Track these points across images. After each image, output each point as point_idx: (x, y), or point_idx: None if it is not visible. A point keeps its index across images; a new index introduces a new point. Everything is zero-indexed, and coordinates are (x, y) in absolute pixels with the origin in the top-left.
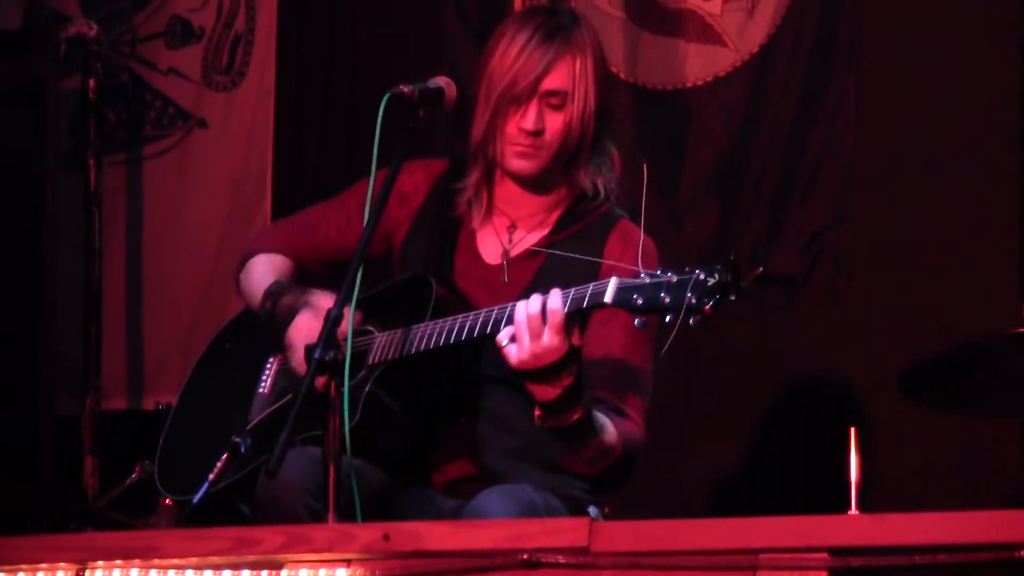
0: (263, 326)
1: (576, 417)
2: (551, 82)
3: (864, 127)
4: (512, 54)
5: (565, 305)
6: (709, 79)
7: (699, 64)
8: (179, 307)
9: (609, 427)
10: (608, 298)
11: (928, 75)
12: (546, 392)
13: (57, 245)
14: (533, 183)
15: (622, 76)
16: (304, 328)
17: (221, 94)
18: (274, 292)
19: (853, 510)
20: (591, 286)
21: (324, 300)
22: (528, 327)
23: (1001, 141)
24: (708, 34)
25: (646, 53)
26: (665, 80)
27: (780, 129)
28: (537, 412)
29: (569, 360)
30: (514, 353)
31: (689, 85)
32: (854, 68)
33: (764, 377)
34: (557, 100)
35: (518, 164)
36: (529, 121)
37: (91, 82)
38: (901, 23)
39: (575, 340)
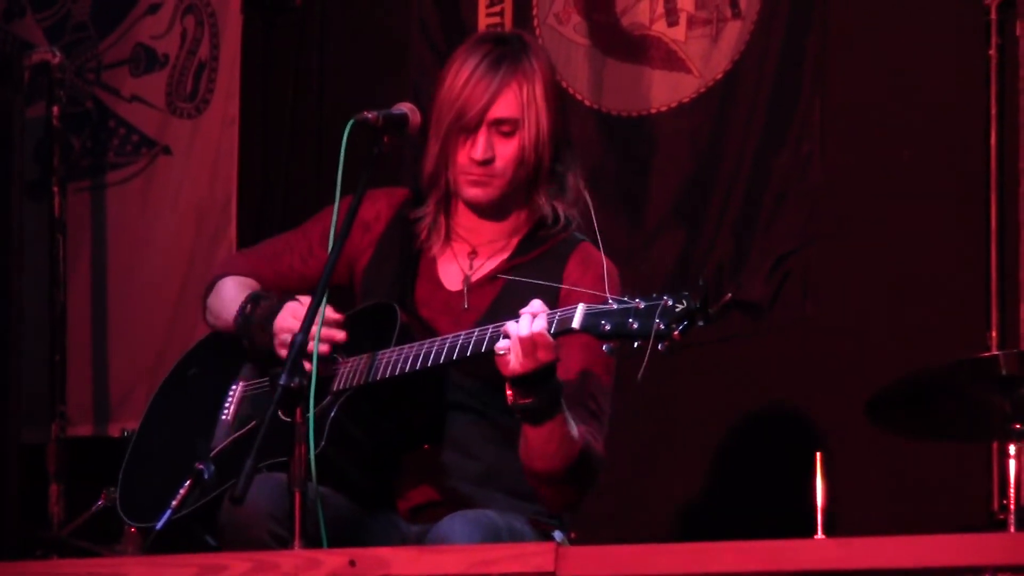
0: (243, 327)
1: (548, 388)
2: (498, 110)
3: (829, 152)
4: (459, 84)
5: (550, 327)
6: (673, 105)
7: (664, 91)
8: (145, 333)
9: (571, 420)
10: (576, 324)
11: (894, 100)
12: (523, 364)
13: (22, 272)
14: (491, 210)
15: (587, 103)
16: (291, 313)
17: (186, 121)
18: (256, 296)
19: (819, 534)
20: (559, 312)
21: (308, 299)
22: (522, 344)
23: (967, 167)
24: (672, 61)
25: (611, 80)
26: (630, 107)
27: (745, 155)
28: (509, 392)
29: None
30: (510, 362)
31: (654, 111)
32: (819, 93)
33: (730, 402)
34: (507, 128)
35: (472, 192)
36: (478, 151)
37: (55, 109)
38: (866, 48)
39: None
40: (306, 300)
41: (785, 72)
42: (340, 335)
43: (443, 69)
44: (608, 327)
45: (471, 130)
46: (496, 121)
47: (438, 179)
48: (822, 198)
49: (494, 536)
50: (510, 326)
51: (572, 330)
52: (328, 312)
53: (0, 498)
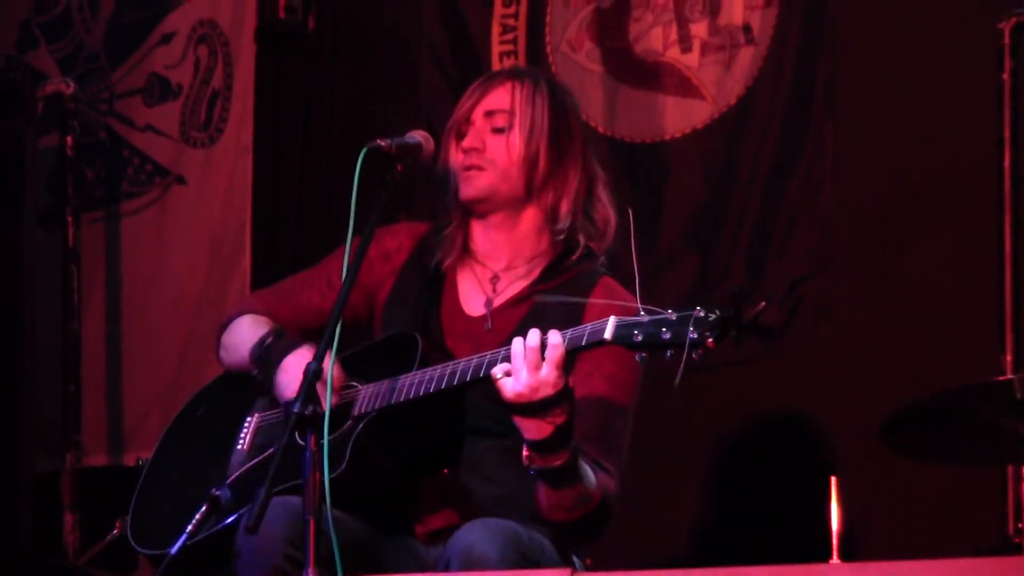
0: (258, 359)
1: (563, 459)
2: (489, 103)
3: (841, 177)
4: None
5: (564, 341)
6: (687, 132)
7: (677, 117)
8: (159, 363)
9: (590, 475)
10: (608, 335)
11: (905, 124)
12: (538, 429)
13: (36, 302)
14: (491, 212)
15: (600, 130)
16: (299, 363)
17: (199, 150)
18: (279, 332)
19: (835, 559)
20: (590, 325)
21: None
22: (527, 359)
23: (980, 189)
24: (686, 87)
25: (624, 107)
26: (643, 133)
27: (757, 180)
28: (525, 452)
29: (564, 397)
30: (510, 386)
31: (667, 138)
32: (831, 118)
33: (744, 427)
34: (499, 122)
35: (465, 189)
36: (468, 139)
37: (69, 139)
38: (878, 73)
39: (570, 382)
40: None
41: (797, 97)
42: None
43: None
44: (640, 337)
45: (462, 129)
46: (486, 113)
47: (453, 201)
48: (834, 222)
49: (515, 544)
50: (515, 341)
51: (604, 341)
52: (336, 372)
53: (15, 527)
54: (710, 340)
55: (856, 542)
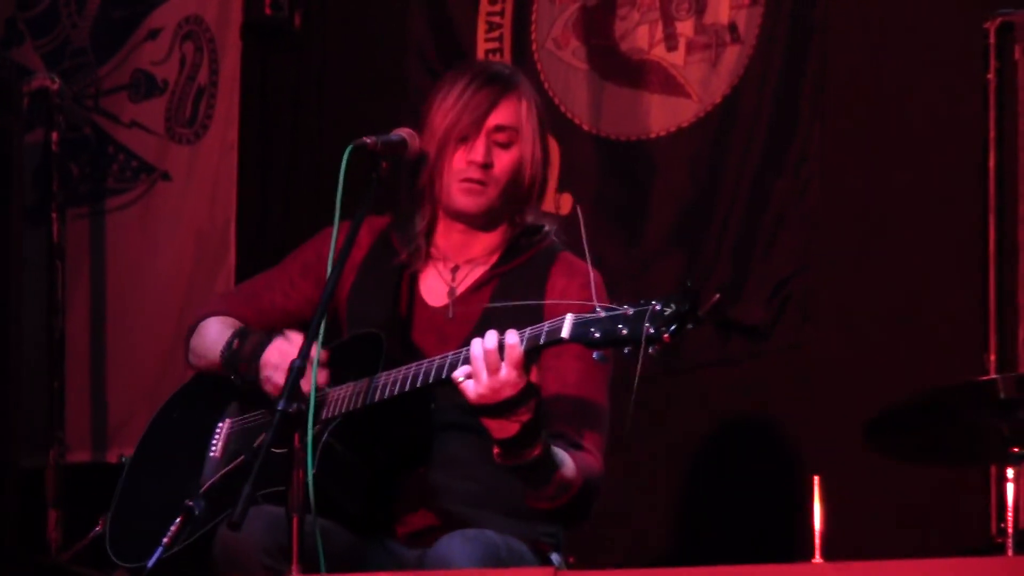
0: (229, 362)
1: (535, 454)
2: (498, 117)
3: (828, 176)
4: (454, 95)
5: (523, 342)
6: (672, 130)
7: (662, 115)
8: (143, 359)
9: (568, 461)
10: (565, 334)
11: (892, 124)
12: (504, 428)
13: (21, 298)
14: (477, 225)
15: (585, 127)
16: (278, 350)
17: (185, 147)
18: (244, 332)
19: (817, 558)
20: (547, 324)
21: (295, 335)
22: (485, 361)
23: (965, 190)
24: (671, 85)
25: (609, 104)
26: (628, 131)
27: (744, 179)
28: (496, 450)
29: (527, 395)
30: (472, 388)
31: (653, 136)
32: (818, 117)
33: (729, 425)
34: (505, 137)
35: (464, 201)
36: (479, 153)
37: (54, 135)
38: (865, 72)
39: (532, 377)
40: (293, 336)
41: (784, 96)
42: (321, 378)
43: (433, 92)
44: (598, 335)
45: (469, 136)
46: (496, 128)
47: (426, 195)
48: (821, 222)
49: (494, 555)
50: (474, 343)
51: (562, 340)
52: (323, 376)
53: (1, 523)
54: (666, 335)
55: (839, 541)
